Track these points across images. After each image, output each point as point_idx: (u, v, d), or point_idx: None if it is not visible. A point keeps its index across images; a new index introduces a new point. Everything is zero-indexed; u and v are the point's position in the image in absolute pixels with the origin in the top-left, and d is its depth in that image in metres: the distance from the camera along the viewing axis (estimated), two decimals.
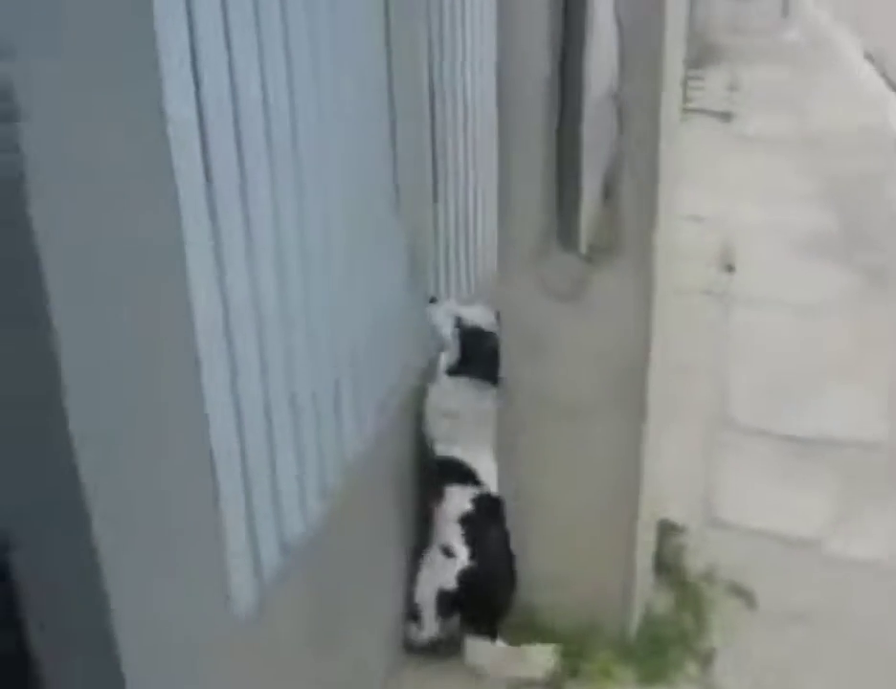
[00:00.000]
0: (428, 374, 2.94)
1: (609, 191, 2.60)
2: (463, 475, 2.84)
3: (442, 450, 2.84)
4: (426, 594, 2.83)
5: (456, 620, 2.84)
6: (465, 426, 2.84)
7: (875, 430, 4.13)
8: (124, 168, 1.41)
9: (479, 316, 2.94)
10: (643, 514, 2.87)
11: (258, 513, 2.01)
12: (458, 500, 2.83)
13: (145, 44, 1.44)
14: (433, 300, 2.97)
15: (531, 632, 2.92)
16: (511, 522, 2.90)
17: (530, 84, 2.52)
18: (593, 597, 2.91)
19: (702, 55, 10.45)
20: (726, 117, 8.79)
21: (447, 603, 2.80)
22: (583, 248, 2.66)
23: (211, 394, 1.75)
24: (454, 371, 2.88)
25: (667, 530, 3.36)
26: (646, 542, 3.01)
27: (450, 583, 2.79)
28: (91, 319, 1.38)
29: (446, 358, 2.91)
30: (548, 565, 2.93)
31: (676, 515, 3.46)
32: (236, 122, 1.79)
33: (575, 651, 2.89)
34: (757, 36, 12.30)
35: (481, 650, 2.84)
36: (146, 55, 1.44)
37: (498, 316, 2.83)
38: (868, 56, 11.06)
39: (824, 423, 4.16)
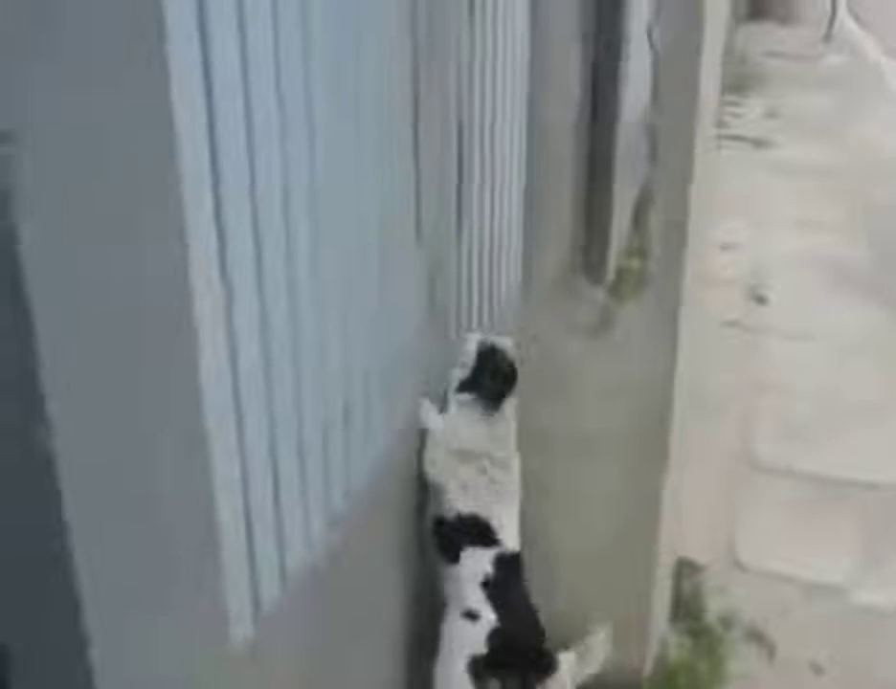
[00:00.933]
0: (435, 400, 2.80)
1: (638, 223, 2.53)
2: (481, 534, 2.58)
3: (456, 504, 2.55)
4: (456, 671, 2.54)
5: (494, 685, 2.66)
6: (478, 470, 2.65)
7: None
8: (127, 185, 1.36)
9: (502, 341, 2.85)
10: (662, 554, 2.79)
11: (259, 540, 1.95)
12: (475, 564, 2.56)
13: (155, 53, 1.39)
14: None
15: None
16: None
17: (563, 113, 2.45)
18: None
19: (740, 81, 10.34)
20: (761, 144, 8.69)
21: (481, 668, 2.51)
22: (610, 281, 2.59)
23: (213, 416, 1.69)
24: (464, 387, 2.72)
25: (686, 569, 3.28)
26: (663, 583, 2.93)
27: (480, 648, 2.52)
28: (84, 338, 1.33)
29: (459, 374, 2.74)
30: (560, 604, 2.84)
31: (696, 554, 3.37)
32: (249, 140, 1.73)
33: None
34: (798, 62, 12.16)
35: None
36: (156, 65, 1.39)
37: (518, 347, 2.71)
38: None
39: (850, 463, 4.06)
